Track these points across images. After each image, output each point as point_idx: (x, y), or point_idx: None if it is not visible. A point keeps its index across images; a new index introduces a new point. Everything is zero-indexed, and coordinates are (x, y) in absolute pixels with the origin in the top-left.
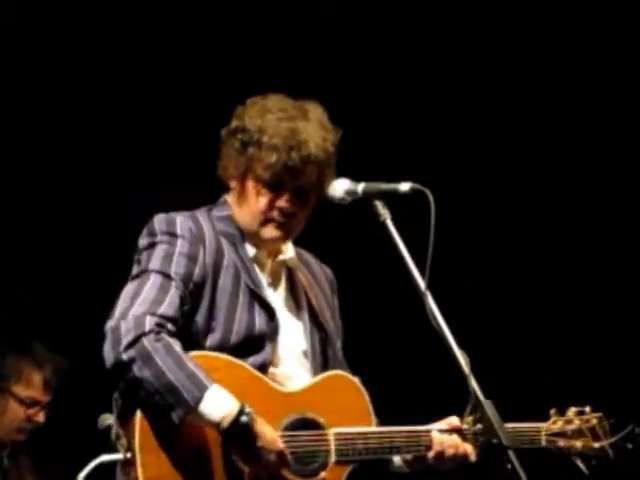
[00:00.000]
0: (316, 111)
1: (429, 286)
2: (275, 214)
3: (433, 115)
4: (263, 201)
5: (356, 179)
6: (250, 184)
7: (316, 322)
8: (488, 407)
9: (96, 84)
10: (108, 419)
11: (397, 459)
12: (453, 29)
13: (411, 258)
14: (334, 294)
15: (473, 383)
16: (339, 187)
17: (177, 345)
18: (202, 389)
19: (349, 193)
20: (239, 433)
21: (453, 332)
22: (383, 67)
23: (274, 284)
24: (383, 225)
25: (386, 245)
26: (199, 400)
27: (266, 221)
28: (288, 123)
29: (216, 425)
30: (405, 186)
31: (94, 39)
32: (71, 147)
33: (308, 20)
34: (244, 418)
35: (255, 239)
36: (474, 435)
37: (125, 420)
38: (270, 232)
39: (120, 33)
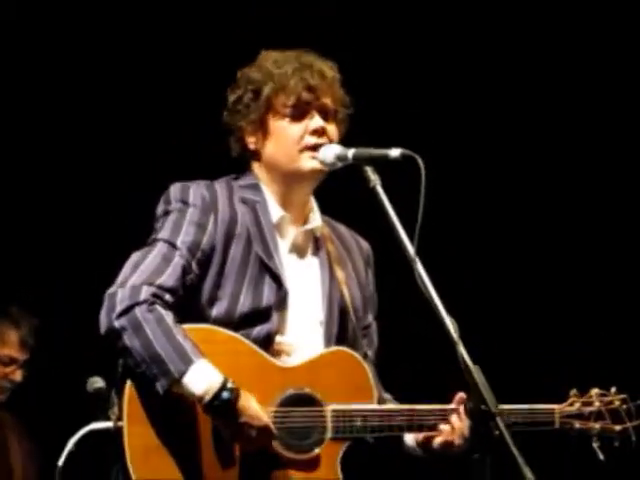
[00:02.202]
0: (311, 53)
1: (419, 252)
2: (313, 138)
3: (430, 92)
4: (294, 129)
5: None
6: (275, 124)
7: (338, 293)
8: (476, 373)
9: (96, 84)
10: (97, 382)
11: (410, 441)
12: (447, 14)
13: (401, 224)
14: (369, 267)
15: (461, 349)
16: (330, 152)
17: (169, 317)
18: (188, 362)
19: (340, 158)
20: (221, 408)
21: (443, 300)
22: (377, 41)
23: (298, 252)
24: (373, 191)
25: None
26: (183, 373)
27: (303, 149)
28: (290, 54)
29: (199, 399)
30: (395, 152)
31: (94, 39)
32: (71, 146)
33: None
34: (225, 394)
35: (293, 186)
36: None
37: (120, 389)
38: (310, 162)
39: (120, 33)
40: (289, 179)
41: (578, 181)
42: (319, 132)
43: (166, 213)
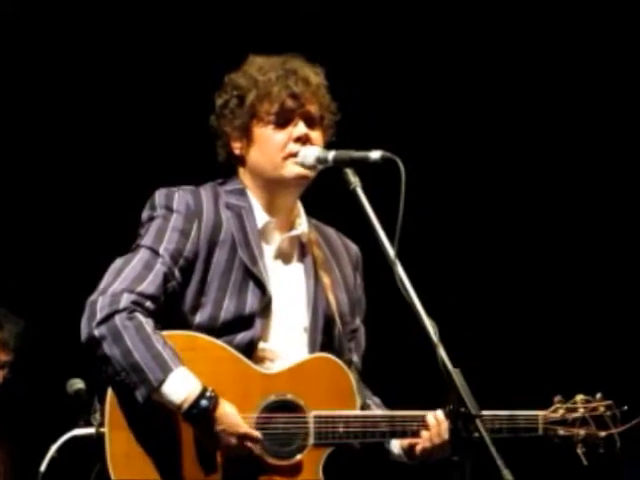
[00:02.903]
0: (299, 58)
1: (400, 254)
2: (293, 147)
3: (415, 92)
4: (278, 137)
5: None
6: (259, 131)
7: (323, 299)
8: (456, 376)
9: (95, 84)
10: (76, 383)
11: (395, 448)
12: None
13: (381, 227)
14: (357, 271)
15: (441, 352)
16: (310, 154)
17: (149, 324)
18: (166, 370)
19: (320, 160)
20: (199, 416)
21: (424, 302)
22: (363, 42)
23: (283, 258)
24: (353, 193)
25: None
26: (162, 381)
27: (286, 157)
28: (276, 60)
29: (177, 407)
30: (376, 154)
31: (94, 39)
32: (71, 146)
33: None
34: (204, 402)
35: (277, 192)
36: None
37: (103, 395)
38: (293, 169)
39: (119, 34)
40: (274, 186)
41: (571, 180)
42: (302, 139)
43: (150, 219)
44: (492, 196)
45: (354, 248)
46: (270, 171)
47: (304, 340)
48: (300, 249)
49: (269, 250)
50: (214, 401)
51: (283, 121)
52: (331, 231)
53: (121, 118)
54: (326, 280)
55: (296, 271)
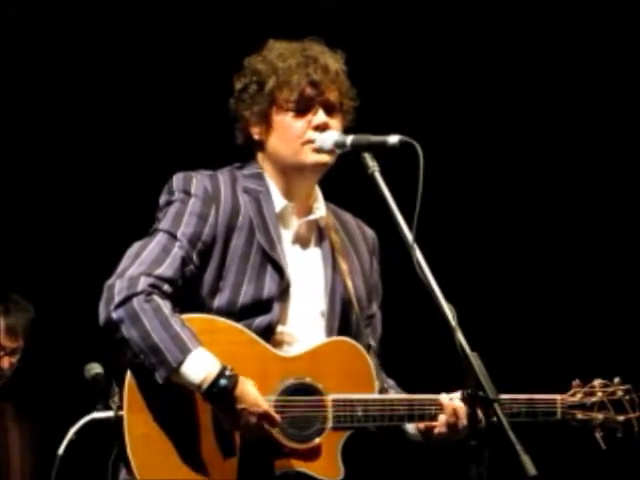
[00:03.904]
0: (318, 43)
1: (418, 239)
2: (312, 134)
3: (430, 81)
4: (297, 124)
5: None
6: (278, 118)
7: (341, 284)
8: (474, 359)
9: (99, 72)
10: (94, 368)
11: (411, 428)
12: (447, 13)
13: (399, 211)
14: (374, 256)
15: (459, 336)
16: (328, 139)
17: (167, 306)
18: (185, 351)
19: (338, 145)
20: (219, 395)
21: (443, 286)
22: (379, 33)
23: (301, 243)
24: (372, 177)
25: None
26: (181, 362)
27: (305, 144)
28: (296, 46)
29: (197, 387)
30: (394, 138)
31: (94, 39)
32: (69, 137)
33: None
34: (223, 381)
35: (296, 178)
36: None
37: (121, 378)
38: (312, 156)
39: (122, 20)
40: (292, 172)
41: (577, 176)
42: (321, 127)
43: (168, 203)
44: (510, 180)
45: (370, 233)
46: (289, 158)
47: (322, 325)
48: (318, 234)
49: (287, 235)
50: (234, 380)
51: (302, 108)
52: (348, 216)
53: (136, 103)
54: (343, 265)
55: (314, 256)
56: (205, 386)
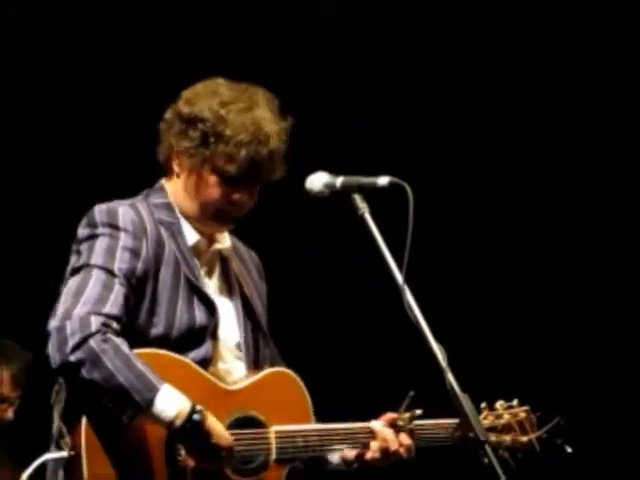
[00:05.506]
0: (263, 95)
1: (407, 280)
2: (229, 207)
3: (416, 111)
4: (219, 193)
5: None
6: (206, 175)
7: (249, 313)
8: (465, 401)
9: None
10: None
11: (335, 458)
12: (442, 20)
13: (389, 252)
14: (262, 279)
15: (450, 377)
16: (318, 180)
17: (124, 345)
18: (153, 390)
19: (328, 186)
20: (191, 431)
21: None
22: (366, 56)
23: (209, 274)
24: (362, 219)
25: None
26: (151, 401)
27: (217, 212)
28: (250, 115)
29: (168, 424)
30: (384, 180)
31: (94, 39)
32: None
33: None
34: (196, 416)
35: (198, 225)
36: (410, 431)
37: (69, 417)
38: (220, 225)
39: (119, 35)
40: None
41: (558, 193)
42: (239, 205)
43: (92, 237)
44: (499, 223)
45: (255, 256)
46: (196, 209)
47: (241, 357)
48: (221, 263)
49: (201, 268)
50: (204, 414)
51: (233, 183)
52: (235, 239)
53: (137, 103)
54: (247, 293)
55: (222, 286)
56: (179, 423)
